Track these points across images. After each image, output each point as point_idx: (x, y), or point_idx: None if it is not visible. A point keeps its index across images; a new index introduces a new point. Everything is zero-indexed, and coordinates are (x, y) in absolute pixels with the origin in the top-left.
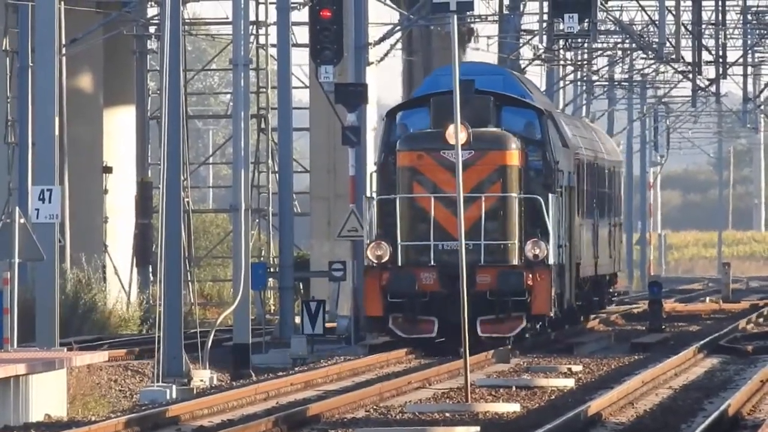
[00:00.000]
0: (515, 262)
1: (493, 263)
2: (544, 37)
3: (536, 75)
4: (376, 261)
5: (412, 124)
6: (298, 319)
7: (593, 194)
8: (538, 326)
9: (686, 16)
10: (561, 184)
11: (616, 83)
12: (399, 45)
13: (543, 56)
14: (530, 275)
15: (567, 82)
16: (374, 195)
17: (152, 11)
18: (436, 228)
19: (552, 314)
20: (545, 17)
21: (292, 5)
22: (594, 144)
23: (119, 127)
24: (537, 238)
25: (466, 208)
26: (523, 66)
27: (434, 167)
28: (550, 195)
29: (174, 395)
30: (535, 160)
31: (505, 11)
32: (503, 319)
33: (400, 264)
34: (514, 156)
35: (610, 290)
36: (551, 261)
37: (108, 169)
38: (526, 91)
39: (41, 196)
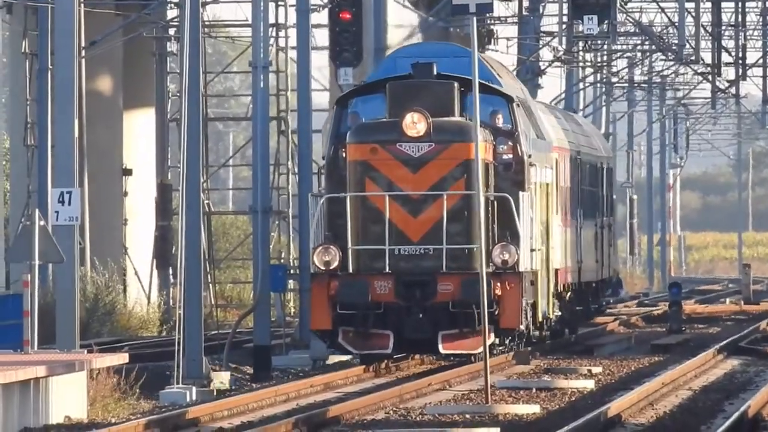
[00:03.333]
0: None
1: (457, 270)
2: (564, 39)
3: (555, 77)
4: (323, 267)
5: (365, 113)
6: None
7: (576, 192)
8: (507, 341)
9: (706, 18)
10: (534, 180)
11: (636, 85)
12: None
13: (562, 58)
14: (498, 284)
15: (587, 84)
16: (322, 192)
17: (172, 13)
18: (392, 230)
19: (523, 328)
20: (565, 19)
21: (311, 7)
22: (577, 137)
23: (139, 130)
24: (506, 241)
25: (425, 208)
26: (543, 67)
27: (390, 162)
28: (520, 193)
29: (194, 397)
30: (505, 154)
31: (525, 13)
32: (468, 333)
33: (351, 271)
34: (480, 149)
35: (600, 299)
36: (522, 267)
37: (128, 172)
38: (494, 75)
39: (61, 199)
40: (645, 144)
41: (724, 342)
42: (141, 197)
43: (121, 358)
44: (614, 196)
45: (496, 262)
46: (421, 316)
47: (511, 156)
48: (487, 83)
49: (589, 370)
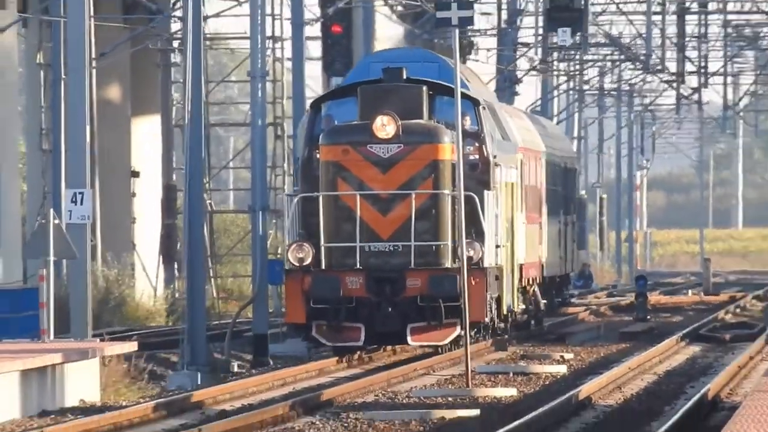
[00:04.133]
0: (448, 264)
1: (425, 266)
2: (539, 50)
3: (532, 85)
4: (297, 264)
5: (338, 116)
6: None
7: (540, 191)
8: (473, 333)
9: (671, 30)
10: (500, 179)
11: (606, 92)
12: None
13: (538, 67)
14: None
15: (560, 92)
16: (296, 192)
17: (176, 27)
18: (363, 228)
19: (488, 320)
20: (540, 31)
21: (305, 21)
22: (543, 139)
23: (146, 135)
24: (471, 238)
25: (394, 207)
26: (520, 76)
27: (360, 162)
28: (485, 192)
29: (198, 382)
30: (471, 154)
31: (503, 26)
32: (435, 326)
33: (323, 267)
34: (447, 150)
35: (564, 293)
36: (487, 263)
37: (135, 174)
38: (462, 80)
39: (73, 199)
40: (614, 147)
41: (686, 330)
42: (148, 197)
43: (131, 346)
44: (585, 195)
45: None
46: (390, 309)
47: (477, 157)
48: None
49: (562, 356)
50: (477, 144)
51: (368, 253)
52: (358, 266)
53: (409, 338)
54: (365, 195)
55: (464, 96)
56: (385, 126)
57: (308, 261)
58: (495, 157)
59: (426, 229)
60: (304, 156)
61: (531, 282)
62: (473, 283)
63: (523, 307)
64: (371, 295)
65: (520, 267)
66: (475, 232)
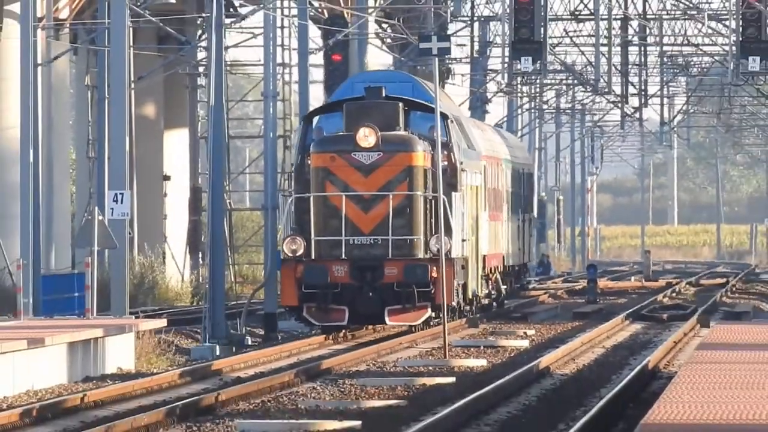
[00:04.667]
0: (421, 255)
1: (400, 257)
2: (506, 75)
3: (499, 104)
4: (291, 254)
5: (327, 128)
6: None
7: (501, 192)
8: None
9: (616, 59)
10: (466, 182)
11: (562, 111)
12: None
13: (504, 90)
14: (434, 268)
15: (523, 110)
16: (290, 193)
17: (201, 55)
18: (347, 224)
19: (455, 304)
20: (506, 59)
21: (310, 50)
22: (503, 148)
23: (175, 145)
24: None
25: (374, 206)
26: (489, 97)
27: (345, 168)
28: (453, 193)
29: (218, 353)
30: (441, 161)
31: (475, 55)
32: (409, 308)
33: (313, 257)
34: (420, 157)
35: (522, 279)
36: (454, 254)
37: (167, 178)
38: (432, 97)
39: (115, 199)
40: (569, 156)
41: (630, 310)
42: (177, 197)
43: (161, 323)
44: (545, 196)
45: (432, 250)
46: (371, 294)
47: (446, 163)
48: (427, 104)
49: (525, 332)
50: (446, 152)
51: (352, 246)
52: (343, 257)
53: (387, 319)
54: (350, 195)
55: (434, 110)
56: (367, 137)
57: (300, 252)
58: (461, 163)
59: (402, 225)
60: (297, 162)
61: (493, 270)
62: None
63: (486, 291)
64: (354, 282)
65: (484, 258)
66: (444, 227)
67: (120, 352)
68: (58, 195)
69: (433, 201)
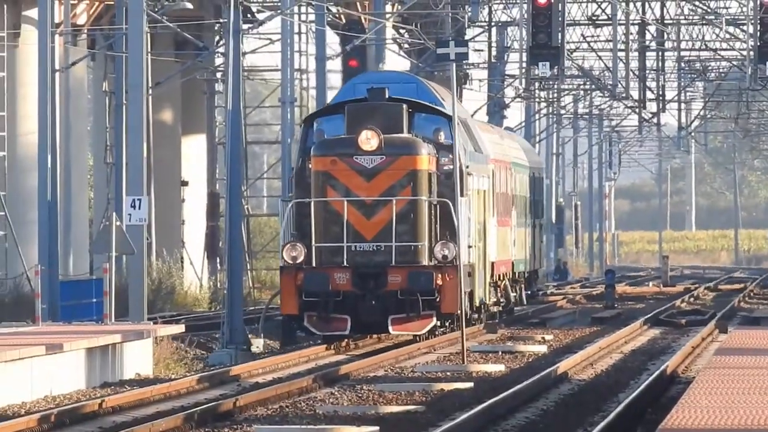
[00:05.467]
0: (425, 262)
1: (404, 264)
2: (523, 80)
3: (517, 110)
4: (291, 261)
5: (328, 131)
6: None
7: (510, 197)
8: (447, 324)
9: (634, 64)
10: (472, 187)
11: (579, 116)
12: None
13: (522, 95)
14: (439, 275)
15: (541, 115)
16: (290, 197)
17: (219, 61)
18: (349, 230)
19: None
20: (524, 65)
21: (327, 56)
22: (512, 151)
23: (193, 150)
24: (446, 239)
25: (377, 211)
26: (507, 102)
27: (347, 172)
28: (459, 198)
29: (236, 358)
30: (446, 165)
31: (493, 60)
32: (414, 317)
33: (314, 264)
34: (424, 161)
35: (533, 286)
36: (460, 261)
37: (185, 183)
38: (437, 98)
39: (132, 204)
40: (587, 162)
41: (648, 316)
42: (195, 203)
43: (179, 328)
44: (562, 202)
45: (437, 257)
46: (374, 302)
47: (451, 167)
48: (431, 105)
49: (543, 338)
50: (451, 155)
51: (354, 252)
52: (345, 264)
53: (390, 328)
54: (351, 201)
55: (440, 113)
56: (369, 139)
57: (301, 259)
58: (467, 167)
59: (405, 231)
60: (298, 166)
61: (502, 277)
62: (447, 279)
63: (495, 299)
64: (356, 290)
65: (492, 265)
66: (450, 233)
67: (138, 358)
68: (76, 201)
69: (437, 206)
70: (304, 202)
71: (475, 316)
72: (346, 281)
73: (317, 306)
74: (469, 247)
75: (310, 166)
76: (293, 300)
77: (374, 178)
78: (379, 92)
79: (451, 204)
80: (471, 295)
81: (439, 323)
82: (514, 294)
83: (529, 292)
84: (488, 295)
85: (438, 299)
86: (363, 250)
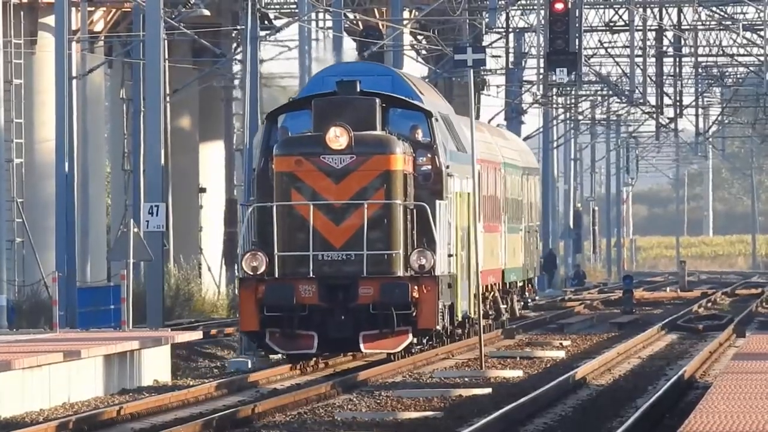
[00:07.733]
0: (400, 273)
1: (377, 275)
2: (541, 86)
3: (535, 115)
4: (251, 272)
5: (292, 128)
6: None
7: (500, 200)
8: (425, 341)
9: (651, 70)
10: (453, 189)
11: (597, 122)
12: None
13: (540, 101)
14: (416, 287)
15: (559, 121)
16: (250, 202)
17: (236, 68)
18: (316, 237)
19: (440, 328)
20: (541, 71)
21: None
22: (503, 150)
23: (211, 157)
24: (423, 247)
25: (347, 217)
26: (525, 108)
27: (314, 173)
28: (438, 201)
29: (254, 365)
30: (423, 165)
31: (511, 66)
32: (387, 333)
33: (277, 275)
34: (398, 160)
35: (527, 297)
36: (439, 271)
37: (202, 190)
38: (415, 92)
39: (150, 211)
40: (605, 167)
41: (666, 321)
42: (213, 209)
43: (197, 335)
44: (580, 207)
45: (413, 267)
46: (343, 317)
47: (429, 167)
48: (408, 99)
49: (561, 343)
50: (429, 155)
51: (321, 262)
52: (311, 275)
53: (361, 345)
54: (318, 205)
55: (417, 108)
56: (338, 137)
57: (262, 269)
58: (448, 167)
59: (378, 238)
60: (260, 166)
61: (490, 288)
62: (425, 291)
63: (482, 312)
64: (324, 303)
65: (477, 274)
66: (427, 241)
67: (156, 365)
68: (94, 208)
69: (414, 211)
70: (266, 207)
71: (459, 331)
72: (312, 294)
73: (280, 322)
74: (450, 255)
75: (272, 166)
76: (254, 315)
77: (343, 180)
78: (350, 85)
79: (428, 208)
80: (452, 308)
81: (415, 340)
82: (505, 306)
83: (522, 304)
84: (473, 307)
85: (414, 313)
86: (331, 259)
